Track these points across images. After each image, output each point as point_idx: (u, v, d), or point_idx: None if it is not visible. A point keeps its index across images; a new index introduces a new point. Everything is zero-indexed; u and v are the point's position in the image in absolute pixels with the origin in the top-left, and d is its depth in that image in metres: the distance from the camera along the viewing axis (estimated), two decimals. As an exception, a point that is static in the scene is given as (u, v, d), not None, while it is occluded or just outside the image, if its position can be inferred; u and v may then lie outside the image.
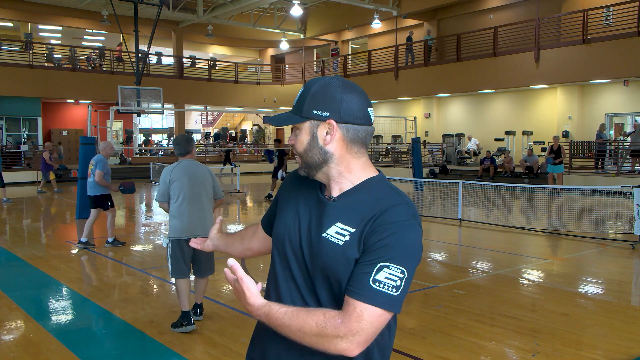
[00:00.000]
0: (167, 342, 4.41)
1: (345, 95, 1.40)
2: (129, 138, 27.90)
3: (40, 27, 28.09)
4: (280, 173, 14.62)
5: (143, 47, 22.03)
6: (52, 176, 17.34)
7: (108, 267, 7.34)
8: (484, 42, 20.20)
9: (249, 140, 33.01)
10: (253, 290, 1.37)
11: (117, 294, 6.07)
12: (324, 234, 1.39)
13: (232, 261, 1.36)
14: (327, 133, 1.41)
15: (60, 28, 28.22)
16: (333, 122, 1.40)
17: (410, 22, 24.46)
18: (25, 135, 24.54)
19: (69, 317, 5.32)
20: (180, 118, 27.90)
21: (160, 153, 28.12)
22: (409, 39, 22.94)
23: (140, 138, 31.57)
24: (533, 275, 6.84)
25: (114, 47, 28.30)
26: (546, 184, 16.23)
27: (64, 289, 6.13)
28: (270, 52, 33.31)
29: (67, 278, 6.55)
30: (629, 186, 8.49)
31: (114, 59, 25.58)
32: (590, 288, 6.23)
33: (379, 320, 1.29)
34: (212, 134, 32.73)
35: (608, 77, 17.16)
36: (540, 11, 18.30)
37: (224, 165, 23.31)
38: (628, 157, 16.89)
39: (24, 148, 23.22)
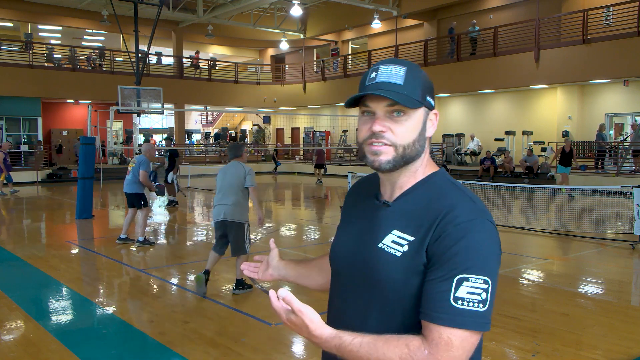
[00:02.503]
0: (167, 342, 4.41)
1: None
2: (129, 138, 27.91)
3: (40, 27, 28.10)
4: (170, 176, 12.76)
5: (143, 47, 22.03)
6: (1, 177, 16.47)
7: (108, 267, 7.34)
8: (484, 42, 20.19)
9: (249, 140, 33.02)
10: (316, 321, 1.16)
11: (117, 294, 6.08)
12: (379, 245, 1.23)
13: (284, 292, 1.16)
14: (431, 124, 1.31)
15: (60, 28, 28.25)
16: (437, 113, 1.32)
17: (411, 22, 24.47)
18: (25, 135, 24.54)
19: (69, 317, 5.31)
20: (180, 118, 27.91)
21: (161, 153, 28.08)
22: (451, 30, 21.76)
23: (140, 138, 31.56)
24: (533, 275, 6.83)
25: (114, 47, 28.35)
26: (547, 184, 16.23)
27: (64, 289, 6.13)
28: (270, 52, 33.31)
29: (67, 278, 6.55)
30: (629, 186, 8.48)
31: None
32: (590, 288, 6.23)
33: (470, 343, 1.12)
34: (212, 134, 32.74)
35: (608, 77, 17.17)
36: (540, 11, 18.30)
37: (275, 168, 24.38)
38: (629, 157, 16.90)
39: (23, 148, 23.24)
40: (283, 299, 1.16)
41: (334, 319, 1.34)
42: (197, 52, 29.77)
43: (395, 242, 1.22)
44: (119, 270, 7.20)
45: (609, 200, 12.85)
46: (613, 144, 18.26)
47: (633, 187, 8.16)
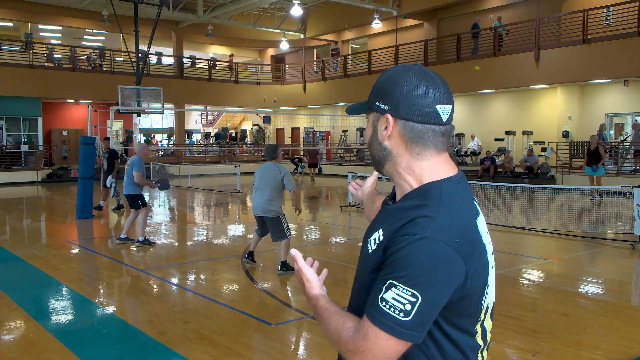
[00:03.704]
0: (167, 342, 4.41)
1: (411, 87, 1.24)
2: (129, 138, 27.92)
3: (40, 27, 28.10)
4: (109, 180, 12.20)
5: (143, 47, 22.04)
6: None
7: (108, 267, 7.35)
8: (484, 42, 20.18)
9: (249, 140, 33.03)
10: (312, 280, 1.38)
11: (117, 294, 6.08)
12: (368, 239, 1.32)
13: (294, 251, 1.41)
14: (385, 128, 1.29)
15: (60, 28, 28.24)
16: (390, 117, 1.27)
17: (411, 22, 24.47)
18: (25, 135, 24.53)
19: (69, 317, 5.32)
20: (180, 118, 27.92)
21: (160, 153, 28.13)
22: (475, 26, 21.19)
23: (140, 138, 31.58)
24: (533, 275, 6.84)
25: (114, 47, 28.36)
26: (547, 184, 16.24)
27: (64, 289, 6.13)
28: (270, 52, 33.31)
29: (67, 278, 6.56)
30: (629, 186, 8.49)
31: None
32: (590, 288, 6.23)
33: (386, 345, 1.16)
34: (212, 134, 32.75)
35: (608, 77, 17.16)
36: (540, 11, 18.30)
37: (296, 169, 24.06)
38: (630, 157, 16.91)
39: (24, 148, 23.25)
40: (293, 257, 1.40)
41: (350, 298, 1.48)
42: (232, 55, 29.83)
43: (374, 239, 1.29)
44: (119, 270, 7.20)
45: (609, 200, 12.85)
46: (613, 144, 18.27)
47: (633, 187, 8.16)
